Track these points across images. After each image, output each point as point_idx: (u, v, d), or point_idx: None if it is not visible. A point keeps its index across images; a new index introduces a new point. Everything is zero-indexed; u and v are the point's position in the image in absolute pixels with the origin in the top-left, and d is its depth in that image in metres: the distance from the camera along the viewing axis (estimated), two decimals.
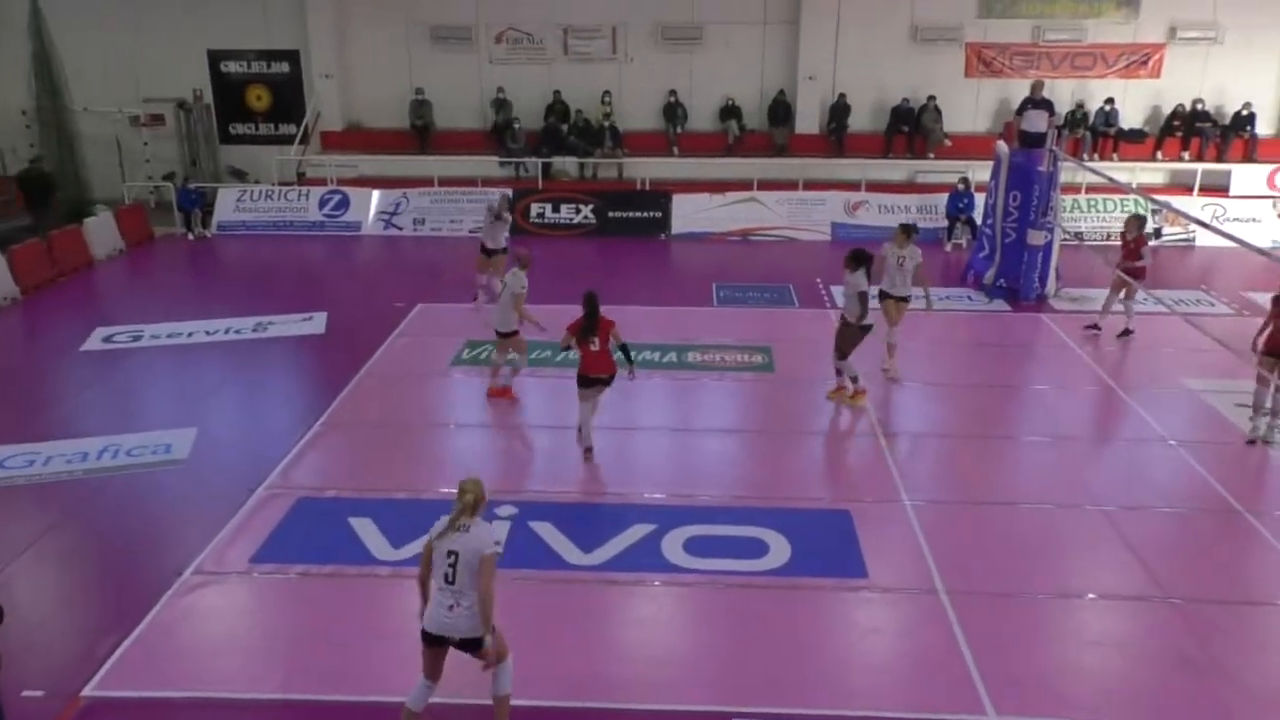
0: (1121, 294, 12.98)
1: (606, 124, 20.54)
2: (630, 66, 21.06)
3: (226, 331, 13.43)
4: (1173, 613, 7.42)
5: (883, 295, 11.44)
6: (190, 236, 19.26)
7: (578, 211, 19.16)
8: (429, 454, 10.06)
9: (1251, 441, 10.05)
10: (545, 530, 8.38)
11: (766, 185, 19.34)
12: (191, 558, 7.92)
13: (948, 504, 8.96)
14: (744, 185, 19.24)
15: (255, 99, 21.82)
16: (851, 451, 10.13)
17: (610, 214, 19.15)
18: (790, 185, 19.46)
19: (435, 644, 5.64)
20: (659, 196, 19.34)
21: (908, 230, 11.50)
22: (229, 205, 19.80)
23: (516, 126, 20.46)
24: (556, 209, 19.24)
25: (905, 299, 11.44)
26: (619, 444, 10.13)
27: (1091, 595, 7.67)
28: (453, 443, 10.40)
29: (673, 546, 8.15)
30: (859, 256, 10.44)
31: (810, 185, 19.44)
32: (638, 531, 8.33)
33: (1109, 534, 8.51)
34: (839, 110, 20.44)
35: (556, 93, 20.79)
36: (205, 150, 21.71)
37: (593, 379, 9.47)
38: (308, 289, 15.69)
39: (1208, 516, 8.80)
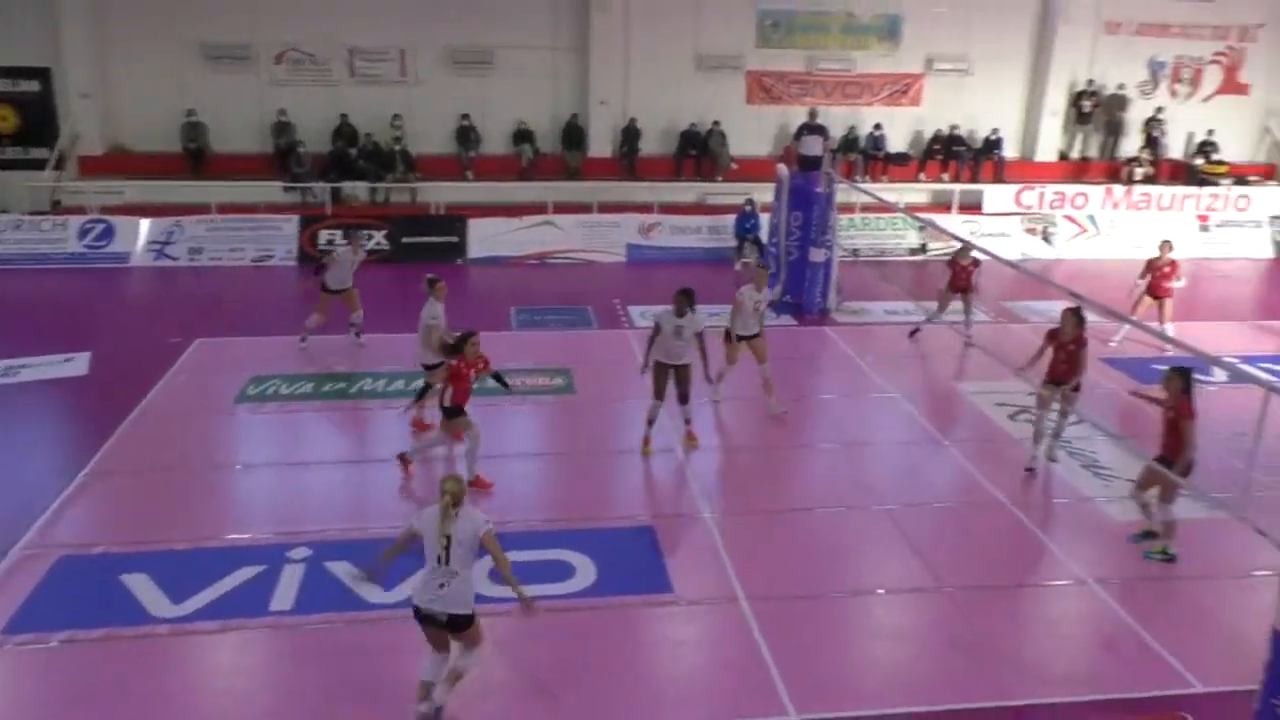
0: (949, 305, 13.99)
1: (398, 148, 20.09)
2: (421, 89, 20.73)
3: None
4: (947, 601, 7.98)
5: (734, 336, 11.42)
6: None
7: (370, 238, 18.59)
8: (214, 498, 9.43)
9: (1030, 470, 10.25)
10: (342, 570, 8.04)
11: (562, 208, 19.49)
12: None
13: (746, 514, 9.28)
14: (539, 208, 19.30)
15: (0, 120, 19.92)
16: (653, 469, 10.29)
17: (404, 240, 18.71)
18: (585, 208, 19.70)
19: (427, 622, 6.21)
20: (454, 221, 19.09)
21: (765, 271, 11.95)
22: None
23: (301, 150, 19.67)
24: (347, 235, 18.58)
25: (757, 336, 11.45)
26: (418, 474, 9.87)
27: (880, 590, 8.13)
28: (241, 484, 9.81)
29: (478, 576, 7.99)
30: (690, 295, 10.03)
31: (604, 208, 19.74)
32: None
33: (892, 531, 9.06)
34: (630, 134, 20.90)
35: (344, 116, 20.15)
36: None
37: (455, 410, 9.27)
38: (67, 327, 14.38)
39: (977, 509, 9.53)
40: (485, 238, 18.82)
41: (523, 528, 8.83)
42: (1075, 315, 9.83)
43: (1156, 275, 13.83)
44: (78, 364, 12.59)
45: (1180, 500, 8.46)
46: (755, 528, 9.03)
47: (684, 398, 10.23)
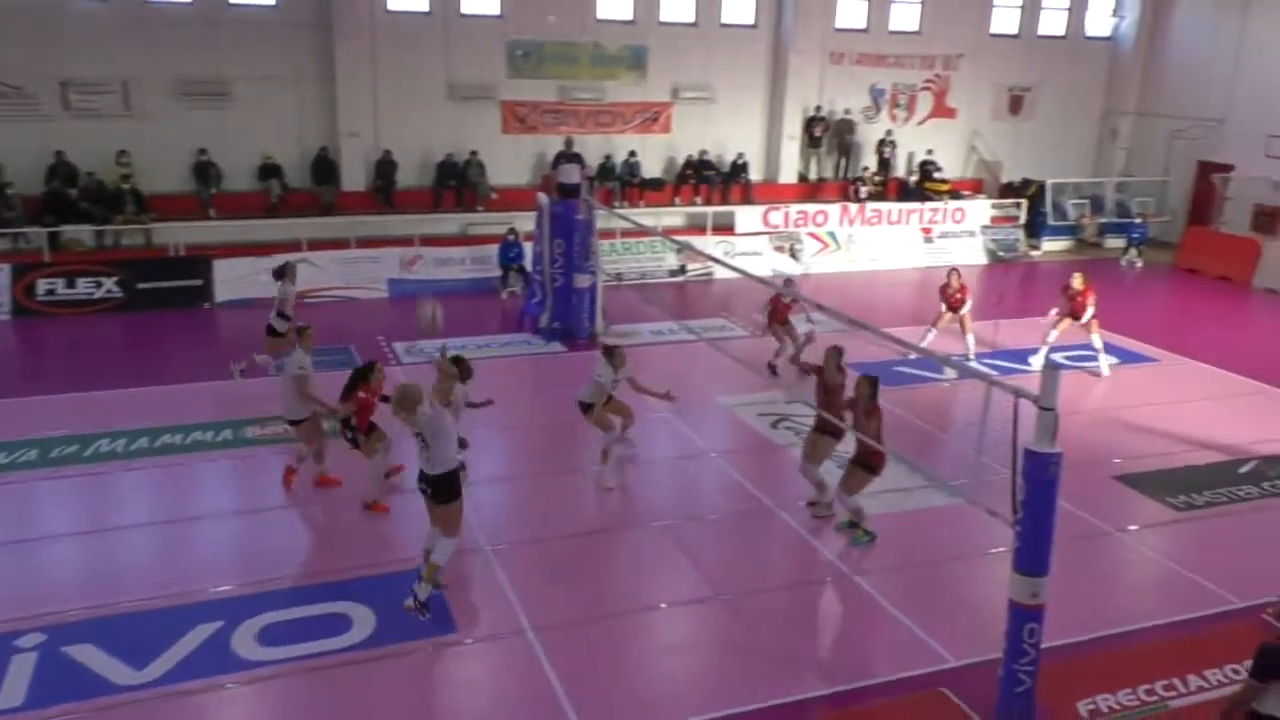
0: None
1: (126, 186, 18.56)
2: (149, 124, 19.25)
3: None
4: (725, 608, 8.27)
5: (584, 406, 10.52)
6: None
7: (99, 285, 17.06)
8: None
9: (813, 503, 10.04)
10: (85, 653, 7.28)
11: (316, 245, 18.68)
12: None
13: (527, 543, 9.21)
14: (292, 246, 18.37)
15: None
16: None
17: (139, 285, 17.25)
18: (341, 244, 19.00)
19: (424, 494, 7.82)
20: (197, 262, 17.83)
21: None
22: None
23: (9, 192, 17.77)
24: (71, 284, 16.95)
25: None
26: (173, 538, 9.12)
27: (663, 605, 8.29)
28: None
29: (245, 641, 7.49)
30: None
31: (362, 243, 19.12)
32: (201, 633, 7.54)
33: (671, 547, 9.28)
34: (385, 166, 20.38)
35: (59, 153, 18.39)
36: None
37: None
38: None
39: (747, 517, 9.93)
40: (233, 279, 17.69)
41: (295, 583, 8.36)
42: (838, 355, 9.67)
43: (951, 299, 14.99)
44: None
45: (921, 491, 9.20)
46: (537, 556, 8.98)
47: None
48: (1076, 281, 14.64)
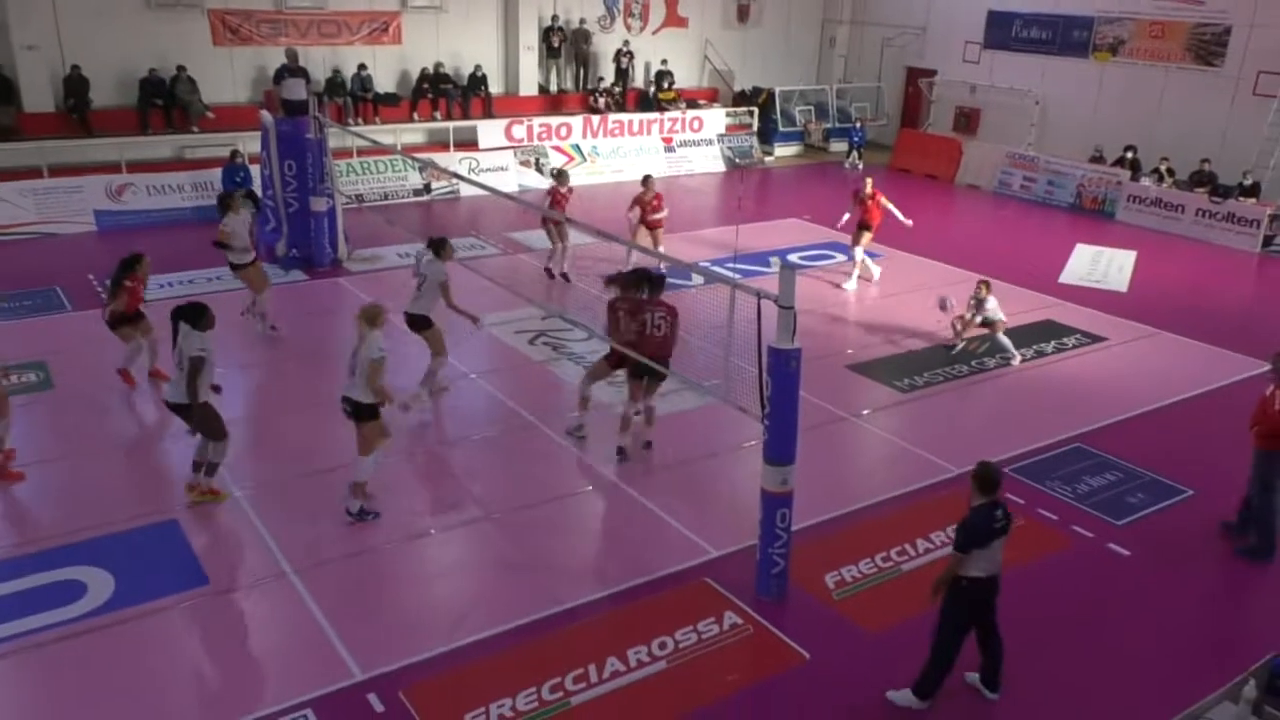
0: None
1: None
2: None
3: None
4: (494, 526, 8.29)
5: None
6: None
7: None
8: None
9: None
10: None
11: (2, 175, 16.46)
12: None
13: (280, 482, 8.77)
14: None
15: None
16: (169, 456, 9.28)
17: None
18: (33, 173, 16.83)
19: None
20: None
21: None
22: None
23: None
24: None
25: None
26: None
27: (432, 531, 8.18)
28: None
29: None
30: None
31: (58, 171, 17.02)
32: None
33: (440, 470, 9.15)
34: (76, 84, 18.06)
35: None
36: None
37: None
38: None
39: (513, 433, 9.93)
40: None
41: (14, 551, 7.55)
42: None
43: (645, 209, 14.78)
44: None
45: (675, 394, 9.52)
46: (292, 495, 8.58)
47: None
48: (867, 187, 14.63)
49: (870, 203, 14.67)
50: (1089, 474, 9.45)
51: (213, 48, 19.70)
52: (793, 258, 15.05)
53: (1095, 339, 13.12)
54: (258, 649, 6.78)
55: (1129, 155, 20.71)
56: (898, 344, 12.63)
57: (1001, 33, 24.15)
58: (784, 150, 25.82)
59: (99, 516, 8.07)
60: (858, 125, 25.19)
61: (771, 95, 25.64)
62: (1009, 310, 12.53)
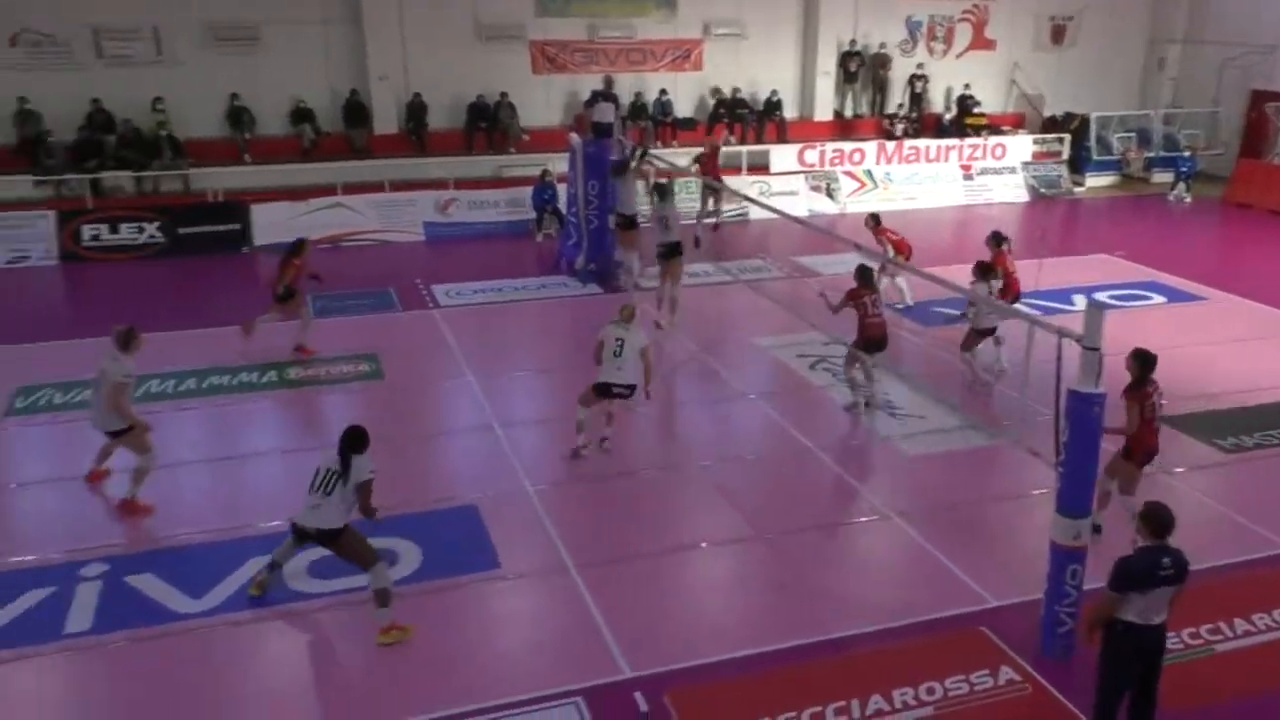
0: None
1: (163, 133, 18.67)
2: (181, 70, 19.29)
3: None
4: (765, 547, 8.35)
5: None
6: None
7: (141, 230, 17.25)
8: None
9: (850, 408, 10.80)
10: (146, 582, 7.56)
11: (351, 189, 18.74)
12: None
13: (568, 483, 9.33)
14: (327, 190, 18.46)
15: None
16: (472, 447, 10.16)
17: (181, 230, 17.44)
18: (376, 187, 19.03)
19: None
20: (235, 207, 17.96)
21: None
22: None
23: (50, 140, 17.93)
24: (115, 229, 17.15)
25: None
26: (228, 475, 9.36)
27: (703, 544, 8.39)
28: (17, 504, 8.97)
29: (296, 573, 7.69)
30: None
31: (396, 186, 19.14)
32: (255, 565, 7.73)
33: (710, 487, 9.37)
34: (416, 109, 20.30)
35: (95, 101, 18.50)
36: None
37: None
38: None
39: (787, 457, 9.97)
40: (271, 224, 17.81)
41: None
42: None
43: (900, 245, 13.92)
44: None
45: (959, 432, 9.16)
46: (578, 496, 9.11)
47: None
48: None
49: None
50: None
51: (532, 76, 21.38)
52: (1100, 296, 13.95)
53: None
54: (538, 634, 7.26)
55: None
56: (1223, 399, 11.34)
57: None
58: (1096, 180, 24.03)
59: (414, 494, 8.97)
60: (1188, 154, 23.00)
61: (1086, 121, 23.98)
62: None
